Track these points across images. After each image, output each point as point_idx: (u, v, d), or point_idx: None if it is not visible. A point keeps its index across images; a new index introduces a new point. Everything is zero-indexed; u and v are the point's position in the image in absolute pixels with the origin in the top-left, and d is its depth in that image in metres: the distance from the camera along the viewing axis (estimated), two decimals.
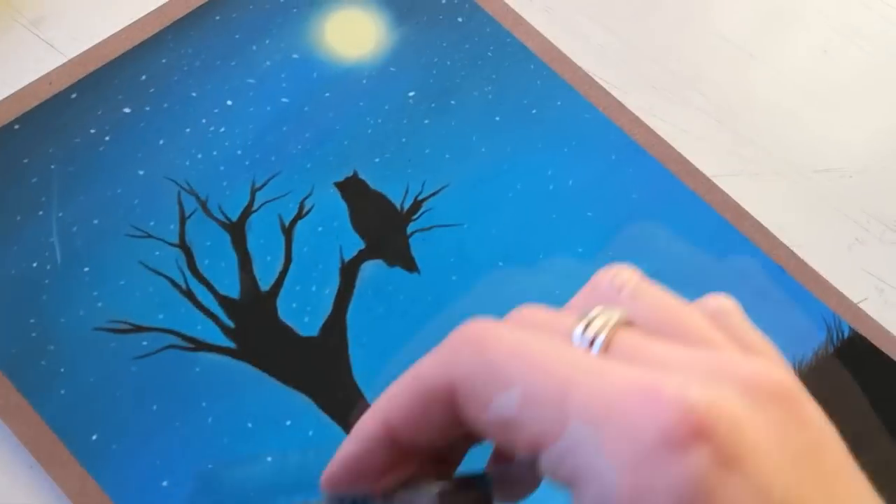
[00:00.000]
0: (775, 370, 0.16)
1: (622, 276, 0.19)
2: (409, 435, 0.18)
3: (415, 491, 0.19)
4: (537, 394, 0.16)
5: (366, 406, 0.23)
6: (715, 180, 0.37)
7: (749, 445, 0.14)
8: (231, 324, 0.31)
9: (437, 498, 0.19)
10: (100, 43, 0.35)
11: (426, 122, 0.37)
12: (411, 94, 0.37)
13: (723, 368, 0.16)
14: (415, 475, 0.19)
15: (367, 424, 0.19)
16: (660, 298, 0.18)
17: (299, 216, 0.34)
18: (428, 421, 0.18)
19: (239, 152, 0.34)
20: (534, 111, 0.38)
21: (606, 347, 0.17)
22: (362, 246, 0.33)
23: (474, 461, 0.20)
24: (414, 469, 0.19)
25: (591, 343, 0.17)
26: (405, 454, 0.19)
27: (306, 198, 0.34)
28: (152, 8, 0.36)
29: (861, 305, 0.36)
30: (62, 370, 0.29)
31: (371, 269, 0.33)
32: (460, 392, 0.17)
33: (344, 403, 0.31)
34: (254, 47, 0.37)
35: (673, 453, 0.14)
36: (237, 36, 0.37)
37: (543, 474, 0.16)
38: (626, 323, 0.18)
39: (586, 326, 0.17)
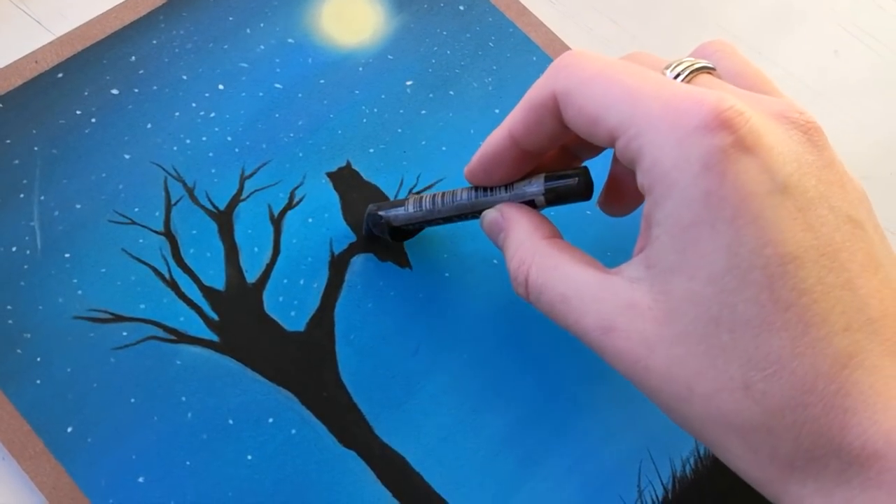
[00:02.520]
0: (811, 116, 0.21)
1: (717, 44, 0.25)
2: (527, 139, 0.24)
3: (528, 181, 0.26)
4: (615, 97, 0.21)
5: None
6: None
7: (765, 143, 0.20)
8: (215, 316, 0.30)
9: (543, 179, 0.25)
10: (89, 21, 0.34)
11: (423, 112, 0.36)
12: (409, 83, 0.36)
13: (769, 103, 0.21)
14: (531, 172, 0.26)
15: (496, 134, 0.25)
16: (743, 60, 0.24)
17: (289, 206, 0.33)
18: (539, 127, 0.24)
19: (229, 138, 0.33)
20: None
21: (688, 83, 0.23)
22: (353, 239, 0.32)
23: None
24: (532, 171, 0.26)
25: (675, 78, 0.23)
26: (526, 158, 0.25)
27: (297, 188, 0.33)
28: None
29: None
30: (38, 359, 0.28)
31: (361, 264, 0.32)
32: (560, 100, 0.23)
33: (329, 402, 0.30)
34: (248, 30, 0.36)
35: (705, 134, 0.19)
36: (231, 18, 0.36)
37: (618, 156, 0.22)
38: (709, 71, 0.23)
39: (675, 67, 0.23)
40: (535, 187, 0.26)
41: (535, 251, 0.24)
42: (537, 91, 0.24)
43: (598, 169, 0.28)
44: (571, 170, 0.25)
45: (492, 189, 0.27)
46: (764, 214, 0.19)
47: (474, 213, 0.28)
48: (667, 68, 0.23)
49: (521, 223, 0.25)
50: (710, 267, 0.19)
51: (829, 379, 0.19)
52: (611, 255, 0.34)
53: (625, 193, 0.28)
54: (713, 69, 0.24)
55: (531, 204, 0.26)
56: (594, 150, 0.28)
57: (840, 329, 0.19)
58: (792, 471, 0.20)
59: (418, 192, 0.33)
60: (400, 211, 0.30)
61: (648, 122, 0.20)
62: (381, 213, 0.30)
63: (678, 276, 0.20)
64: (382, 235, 0.31)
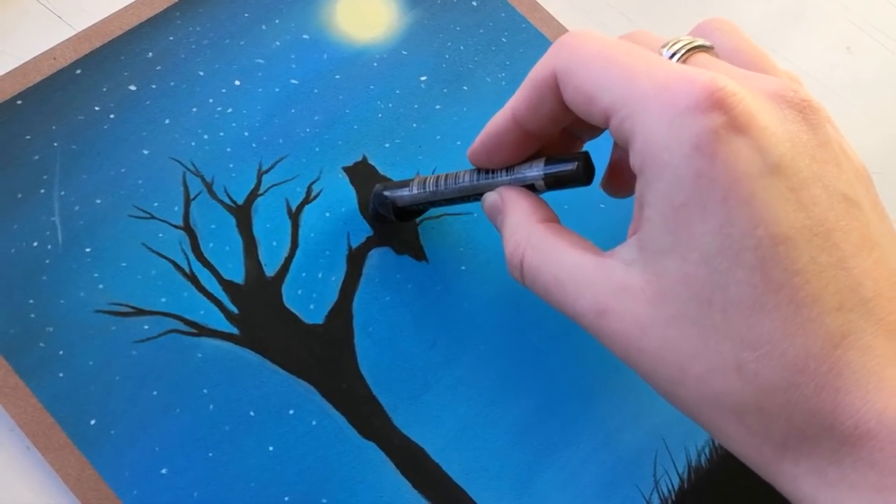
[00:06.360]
0: (807, 94, 0.21)
1: (716, 22, 0.25)
2: (529, 119, 0.24)
3: (528, 165, 0.26)
4: (611, 76, 0.21)
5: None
6: None
7: (758, 123, 0.19)
8: (235, 309, 0.30)
9: (543, 163, 0.25)
10: (106, 18, 0.34)
11: (438, 107, 0.36)
12: (423, 78, 0.36)
13: (765, 82, 0.21)
14: (533, 156, 0.26)
15: (500, 115, 0.25)
16: (741, 37, 0.24)
17: (307, 201, 0.33)
18: (540, 106, 0.24)
19: (246, 134, 0.34)
20: None
21: (684, 62, 0.22)
22: (370, 233, 0.33)
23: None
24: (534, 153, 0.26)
25: (672, 57, 0.23)
26: (528, 140, 0.25)
27: (314, 182, 0.33)
28: None
29: None
30: (61, 353, 0.29)
31: (379, 257, 0.32)
32: (559, 78, 0.23)
33: (348, 393, 0.30)
34: (263, 27, 0.36)
35: (696, 115, 0.19)
36: (246, 14, 0.36)
37: (613, 136, 0.22)
38: (706, 49, 0.23)
39: (671, 46, 0.23)
40: (535, 171, 0.26)
41: (530, 234, 0.24)
42: (538, 70, 0.24)
43: (601, 150, 0.28)
44: (572, 154, 0.25)
45: (493, 172, 0.27)
46: (755, 195, 0.19)
47: (476, 195, 0.28)
48: (663, 47, 0.23)
49: (519, 206, 0.25)
50: (702, 248, 0.19)
51: (820, 359, 0.19)
52: (616, 235, 0.34)
53: (626, 175, 0.27)
54: (711, 47, 0.23)
55: (531, 188, 0.26)
56: (595, 131, 0.28)
57: (832, 309, 0.19)
58: (785, 450, 0.20)
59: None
60: (405, 192, 0.30)
61: (641, 102, 0.20)
62: (386, 193, 0.31)
63: (670, 258, 0.20)
64: (388, 215, 0.31)
